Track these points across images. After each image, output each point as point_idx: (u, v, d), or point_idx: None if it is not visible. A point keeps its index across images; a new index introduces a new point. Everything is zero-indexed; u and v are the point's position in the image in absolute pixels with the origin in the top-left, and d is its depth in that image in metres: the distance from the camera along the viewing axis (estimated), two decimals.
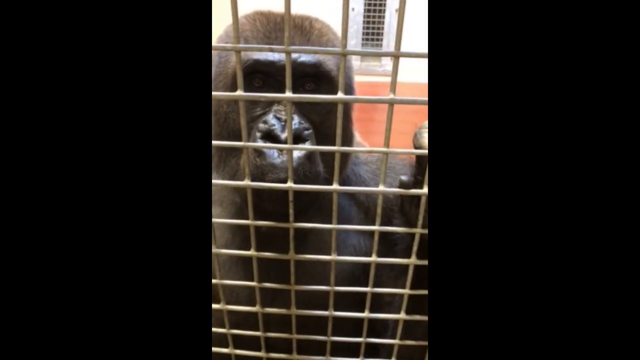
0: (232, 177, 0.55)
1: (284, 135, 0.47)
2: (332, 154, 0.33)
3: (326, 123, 0.54)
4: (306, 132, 0.49)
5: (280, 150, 0.46)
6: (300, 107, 0.51)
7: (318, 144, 0.51)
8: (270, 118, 0.48)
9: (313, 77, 0.53)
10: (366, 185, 0.63)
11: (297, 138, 0.48)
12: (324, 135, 0.53)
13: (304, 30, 0.55)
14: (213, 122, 0.57)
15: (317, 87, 0.54)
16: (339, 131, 0.33)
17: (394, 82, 0.31)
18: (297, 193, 0.37)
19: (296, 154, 0.46)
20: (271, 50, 0.30)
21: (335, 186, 0.35)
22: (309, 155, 0.48)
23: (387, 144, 0.33)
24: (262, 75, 0.52)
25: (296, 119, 0.49)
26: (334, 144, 0.33)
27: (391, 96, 0.31)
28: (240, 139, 0.34)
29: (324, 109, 0.53)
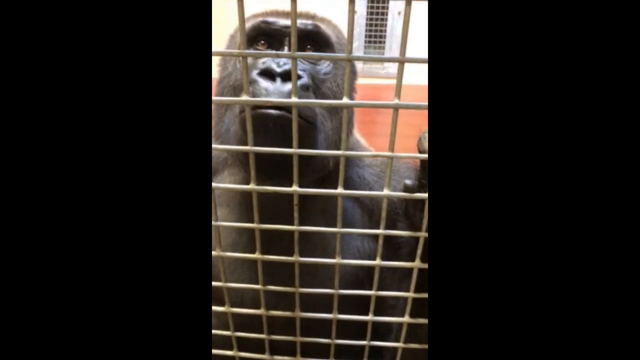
0: (230, 151, 0.56)
1: (280, 71, 0.47)
2: (327, 94, 0.30)
3: (326, 83, 0.56)
4: (302, 72, 0.51)
5: (274, 79, 0.46)
6: (302, 64, 0.55)
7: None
8: (268, 61, 0.49)
9: (313, 39, 0.57)
10: (370, 188, 0.64)
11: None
12: (322, 95, 0.55)
13: (308, 13, 0.60)
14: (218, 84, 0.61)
15: (317, 49, 0.57)
16: (344, 136, 0.33)
17: (399, 87, 0.31)
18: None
19: (289, 84, 0.45)
20: (277, 55, 0.31)
21: (340, 190, 0.36)
22: (306, 87, 0.49)
23: (391, 149, 0.34)
24: (265, 38, 0.56)
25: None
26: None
27: (396, 101, 0.31)
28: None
29: (324, 69, 0.57)
